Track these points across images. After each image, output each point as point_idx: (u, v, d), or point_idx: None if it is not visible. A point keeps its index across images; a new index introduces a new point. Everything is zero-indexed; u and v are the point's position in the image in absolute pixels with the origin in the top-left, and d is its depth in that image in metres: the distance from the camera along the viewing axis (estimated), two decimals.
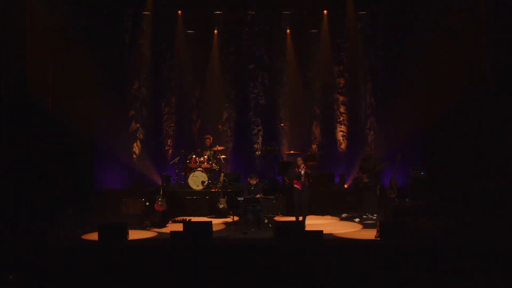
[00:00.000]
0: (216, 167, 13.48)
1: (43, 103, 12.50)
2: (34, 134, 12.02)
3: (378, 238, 9.76)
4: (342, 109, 15.25)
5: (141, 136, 15.03)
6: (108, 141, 14.24)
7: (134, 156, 14.92)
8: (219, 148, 13.89)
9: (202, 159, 13.32)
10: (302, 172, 11.01)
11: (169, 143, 15.21)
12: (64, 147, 13.06)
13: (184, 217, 11.86)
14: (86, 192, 13.70)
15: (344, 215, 12.59)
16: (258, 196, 11.60)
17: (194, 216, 12.29)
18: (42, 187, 12.07)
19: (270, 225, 11.04)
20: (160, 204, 11.79)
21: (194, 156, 13.43)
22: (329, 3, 14.85)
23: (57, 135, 12.84)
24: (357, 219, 11.95)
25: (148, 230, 10.96)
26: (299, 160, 11.21)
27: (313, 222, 11.63)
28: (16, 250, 9.01)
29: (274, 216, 12.31)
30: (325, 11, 14.94)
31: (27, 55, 11.99)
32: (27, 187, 11.73)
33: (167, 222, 11.55)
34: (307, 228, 10.43)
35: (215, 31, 15.06)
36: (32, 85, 12.10)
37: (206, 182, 13.02)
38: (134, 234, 10.20)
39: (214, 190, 12.98)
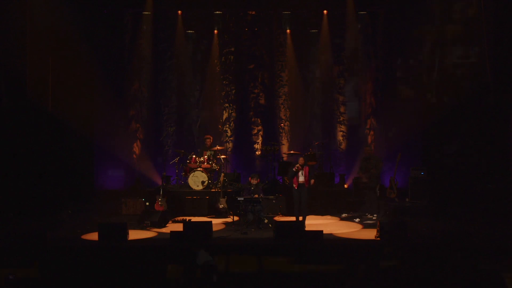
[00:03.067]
0: (216, 167, 13.47)
1: (43, 103, 12.51)
2: (34, 134, 12.02)
3: (378, 238, 9.76)
4: (342, 109, 15.23)
5: (141, 136, 15.01)
6: (108, 141, 14.25)
7: (134, 156, 14.90)
8: (219, 148, 13.89)
9: (202, 159, 13.31)
10: (296, 169, 11.02)
11: (169, 143, 15.19)
12: (64, 147, 13.06)
13: (184, 217, 11.85)
14: (86, 192, 13.71)
15: (344, 215, 12.58)
16: (257, 196, 11.58)
17: (194, 216, 12.27)
18: (42, 187, 12.08)
19: (270, 225, 11.03)
20: (160, 204, 11.77)
21: (194, 156, 13.41)
22: (329, 3, 14.81)
23: (57, 135, 12.85)
24: (357, 219, 11.94)
25: (148, 230, 10.94)
26: (300, 160, 11.19)
27: (313, 222, 11.61)
28: (16, 250, 9.01)
29: (274, 216, 12.29)
30: (325, 11, 14.91)
31: (27, 55, 12.00)
32: (27, 187, 11.74)
33: (167, 222, 11.52)
34: (307, 228, 10.42)
35: (215, 31, 15.03)
36: (32, 85, 12.11)
37: (206, 182, 13.00)
38: (134, 234, 10.19)
39: (214, 190, 12.96)
